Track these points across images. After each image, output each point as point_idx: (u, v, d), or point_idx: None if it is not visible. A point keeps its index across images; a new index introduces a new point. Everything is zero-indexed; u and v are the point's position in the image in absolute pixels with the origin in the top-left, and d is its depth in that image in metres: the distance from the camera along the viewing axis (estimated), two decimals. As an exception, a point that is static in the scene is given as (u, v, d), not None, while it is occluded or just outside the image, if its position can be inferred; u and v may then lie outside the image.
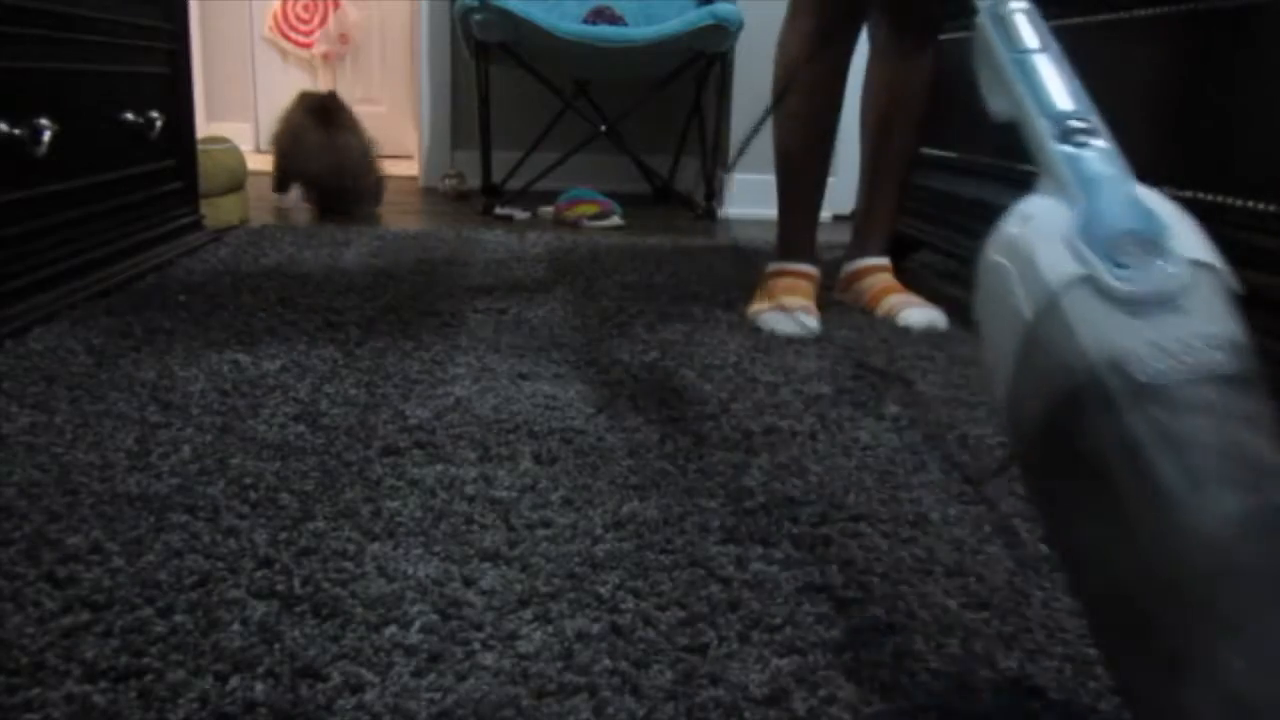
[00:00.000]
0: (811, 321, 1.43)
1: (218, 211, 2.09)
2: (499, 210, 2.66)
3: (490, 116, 2.76)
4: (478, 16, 2.56)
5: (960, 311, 1.62)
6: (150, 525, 0.73)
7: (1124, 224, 0.48)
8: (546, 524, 0.77)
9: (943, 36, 1.92)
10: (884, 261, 1.63)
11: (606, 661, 0.59)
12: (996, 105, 0.59)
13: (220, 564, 0.68)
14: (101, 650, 0.57)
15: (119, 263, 1.51)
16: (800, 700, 0.57)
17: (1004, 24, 0.59)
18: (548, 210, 2.65)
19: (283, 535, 0.73)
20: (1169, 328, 0.45)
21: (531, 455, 0.90)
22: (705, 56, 2.74)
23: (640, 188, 3.14)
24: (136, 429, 0.92)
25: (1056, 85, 0.57)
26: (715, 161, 2.89)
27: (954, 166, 1.80)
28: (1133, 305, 0.46)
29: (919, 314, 1.49)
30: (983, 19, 0.58)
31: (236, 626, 0.61)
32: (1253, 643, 0.39)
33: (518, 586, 0.67)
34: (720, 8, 2.63)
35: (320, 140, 2.55)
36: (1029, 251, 0.50)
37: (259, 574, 0.67)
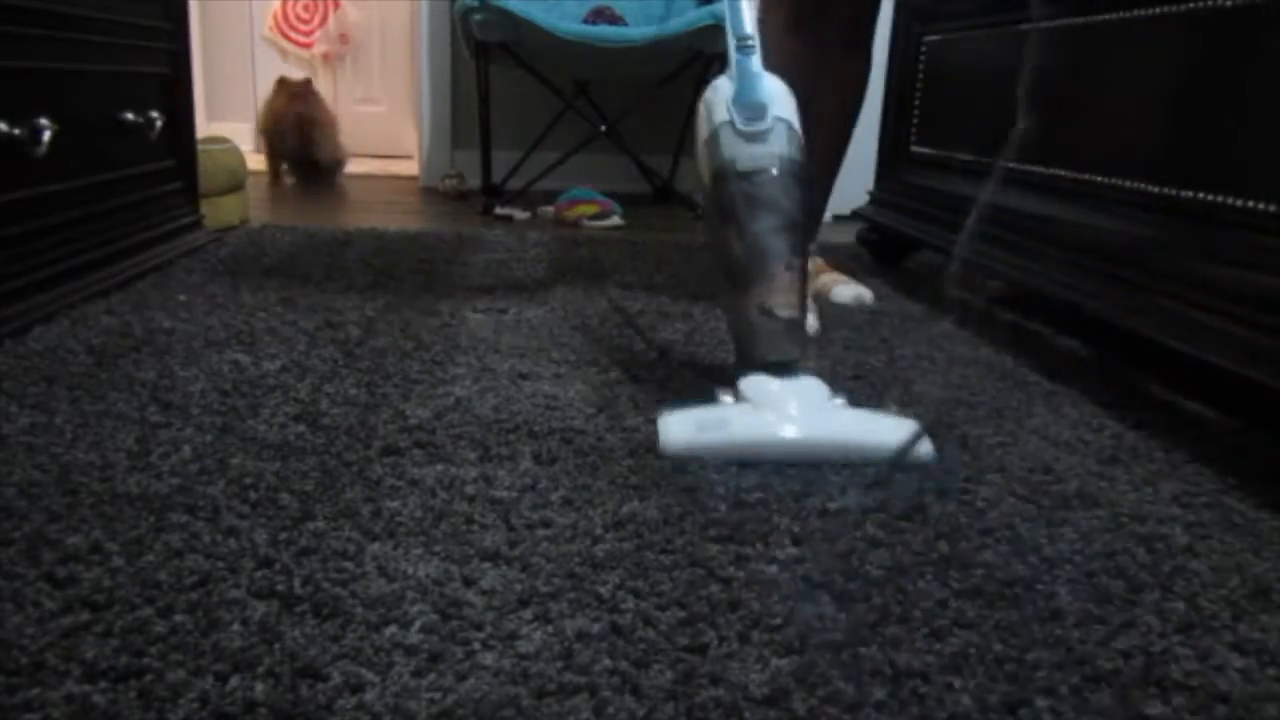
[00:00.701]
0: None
1: (218, 211, 2.09)
2: (499, 210, 2.66)
3: (490, 116, 2.76)
4: (478, 16, 2.56)
5: (962, 312, 1.62)
6: (150, 525, 0.73)
7: (749, 97, 1.03)
8: (546, 524, 0.77)
9: (929, 38, 1.93)
10: (811, 245, 1.76)
11: (606, 661, 0.59)
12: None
13: (220, 564, 0.68)
14: (101, 650, 0.57)
15: (119, 263, 1.51)
16: (800, 700, 0.57)
17: None
18: (548, 210, 2.65)
19: (283, 535, 0.73)
20: (758, 148, 1.01)
21: (531, 455, 0.90)
22: (705, 56, 2.74)
23: (640, 188, 3.14)
24: (136, 429, 0.92)
25: (744, 15, 1.08)
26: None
27: (953, 166, 1.80)
28: (745, 136, 1.01)
29: (846, 290, 1.66)
30: None
31: (236, 626, 0.61)
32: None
33: (518, 586, 0.67)
34: (720, 7, 2.63)
35: (293, 120, 3.17)
36: (712, 104, 1.05)
37: (259, 574, 0.67)
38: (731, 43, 1.06)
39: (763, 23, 1.32)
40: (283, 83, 3.31)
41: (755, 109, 1.02)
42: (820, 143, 1.64)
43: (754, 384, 0.97)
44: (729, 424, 0.94)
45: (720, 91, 1.05)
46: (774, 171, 1.00)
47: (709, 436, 0.92)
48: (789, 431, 0.92)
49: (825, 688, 0.58)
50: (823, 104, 1.63)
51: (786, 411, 0.94)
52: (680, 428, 0.93)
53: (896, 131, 2.07)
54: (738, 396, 0.97)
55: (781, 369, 0.97)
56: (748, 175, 1.00)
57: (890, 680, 0.59)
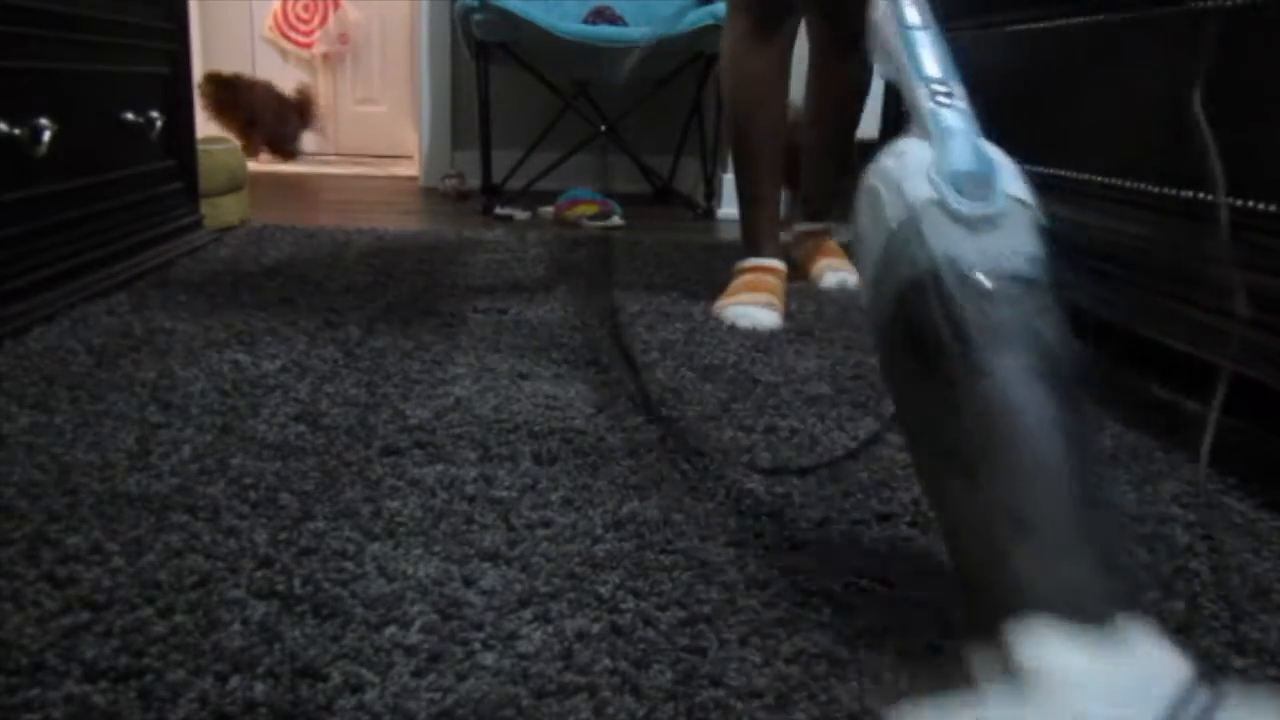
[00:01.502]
0: (769, 317, 1.47)
1: (218, 211, 2.09)
2: (499, 210, 2.66)
3: (490, 116, 2.76)
4: (478, 16, 2.56)
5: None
6: (150, 525, 0.73)
7: (967, 165, 0.64)
8: (546, 524, 0.77)
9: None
10: (820, 227, 1.85)
11: (606, 661, 0.59)
12: (883, 69, 0.78)
13: (220, 564, 0.68)
14: (101, 650, 0.57)
15: (119, 263, 1.51)
16: (800, 700, 0.57)
17: (896, 3, 0.75)
18: (548, 210, 2.65)
19: (283, 535, 0.73)
20: (991, 241, 0.60)
21: (531, 455, 0.90)
22: (705, 56, 2.74)
23: (640, 188, 3.14)
24: (136, 429, 0.92)
25: (930, 56, 0.72)
26: (715, 161, 2.89)
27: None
28: (967, 223, 0.61)
29: (831, 276, 1.72)
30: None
31: (236, 626, 0.61)
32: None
33: (518, 586, 0.67)
34: (720, 7, 2.63)
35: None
36: (898, 179, 0.65)
37: (259, 574, 0.67)
38: (920, 91, 0.70)
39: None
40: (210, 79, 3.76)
41: (977, 181, 0.63)
42: (818, 139, 1.80)
43: (1044, 655, 0.46)
44: None
45: (909, 159, 0.66)
46: (1023, 279, 0.60)
47: None
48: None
49: (826, 692, 0.58)
50: (823, 101, 1.75)
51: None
52: None
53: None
54: (1009, 677, 0.47)
55: (1087, 627, 0.47)
56: (981, 286, 0.59)
57: (891, 685, 0.59)
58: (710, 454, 0.92)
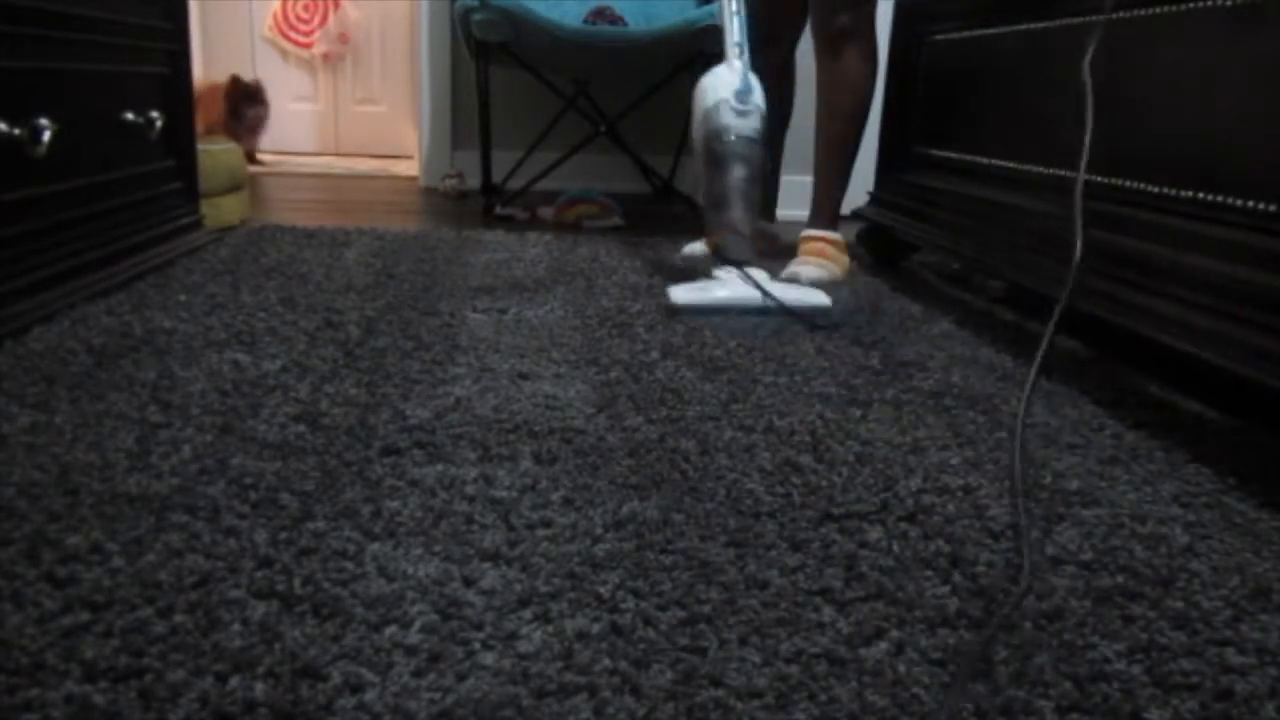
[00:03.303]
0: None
1: (218, 211, 2.09)
2: (499, 210, 2.66)
3: (490, 116, 2.76)
4: (478, 16, 2.56)
5: (963, 313, 1.62)
6: (150, 525, 0.73)
7: (742, 86, 1.59)
8: (546, 524, 0.77)
9: (929, 38, 1.93)
10: (822, 233, 1.94)
11: (606, 661, 0.59)
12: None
13: (220, 564, 0.68)
14: (101, 650, 0.57)
15: (119, 263, 1.51)
16: (800, 700, 0.57)
17: None
18: (548, 210, 2.65)
19: (283, 535, 0.73)
20: (745, 121, 1.57)
21: (531, 455, 0.90)
22: (705, 56, 2.73)
23: (640, 188, 3.14)
24: (136, 429, 0.92)
25: (737, 26, 1.64)
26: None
27: (954, 167, 1.80)
28: (737, 111, 1.58)
29: (805, 270, 1.85)
30: None
31: (236, 626, 0.61)
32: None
33: (518, 586, 0.67)
34: (717, 8, 2.62)
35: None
36: (713, 84, 1.61)
37: (259, 574, 0.67)
38: (732, 47, 1.65)
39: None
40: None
41: (744, 93, 1.59)
42: (821, 143, 1.97)
43: (726, 271, 1.59)
44: (713, 289, 1.57)
45: (720, 77, 1.61)
46: (752, 139, 1.58)
47: (700, 296, 1.54)
48: (750, 293, 1.54)
49: (826, 692, 0.58)
50: (833, 99, 1.94)
51: (747, 284, 1.55)
52: (682, 292, 1.54)
53: (896, 131, 2.07)
54: (718, 277, 1.59)
55: (741, 264, 1.58)
56: (737, 139, 1.57)
57: (890, 684, 0.59)
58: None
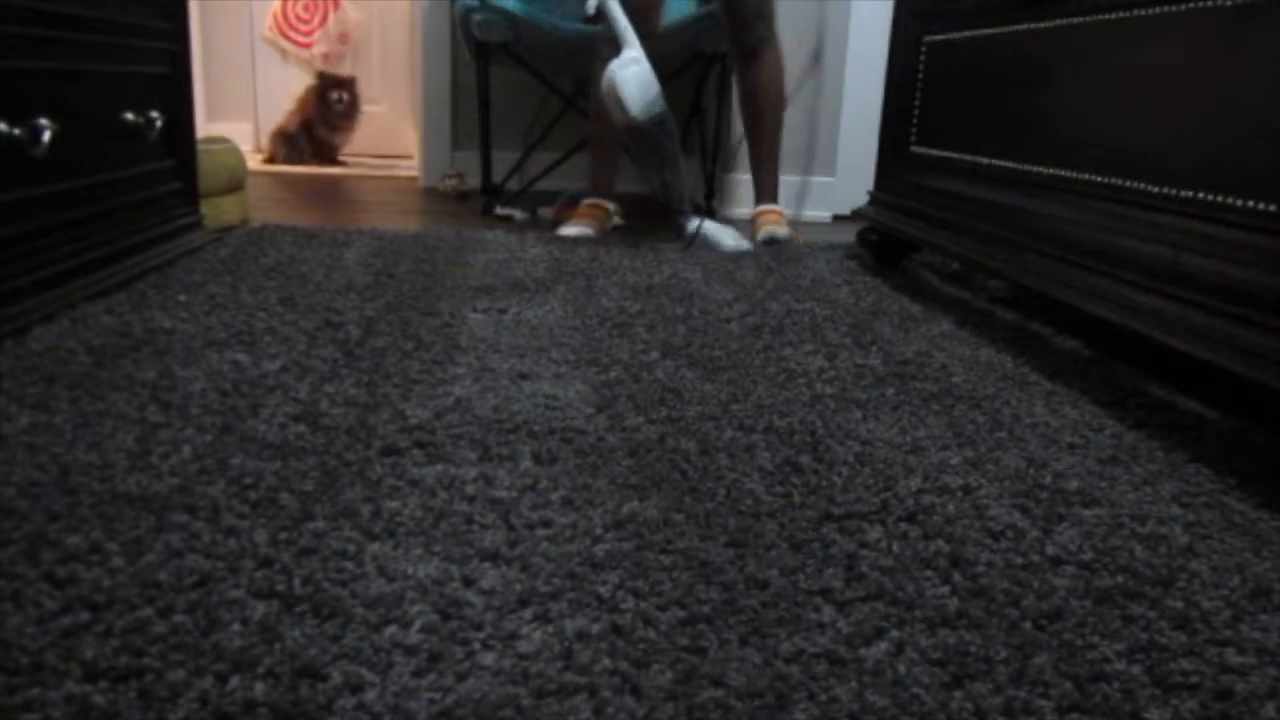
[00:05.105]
0: (589, 230, 2.29)
1: (218, 211, 2.09)
2: (499, 210, 2.66)
3: (490, 116, 2.76)
4: (478, 16, 2.56)
5: (963, 313, 1.62)
6: (150, 525, 0.73)
7: (647, 73, 2.05)
8: (546, 524, 0.77)
9: (928, 38, 1.93)
10: (773, 206, 2.43)
11: (606, 661, 0.59)
12: (605, 28, 2.14)
13: (220, 564, 0.68)
14: (101, 650, 0.57)
15: (119, 263, 1.51)
16: (800, 700, 0.57)
17: (612, 4, 2.08)
18: (547, 210, 2.65)
19: (283, 535, 0.73)
20: (657, 103, 2.07)
21: (531, 455, 0.90)
22: (705, 56, 2.73)
23: (640, 188, 3.13)
24: (136, 429, 0.92)
25: (626, 25, 2.06)
26: (715, 161, 2.89)
27: (953, 167, 1.80)
28: (650, 96, 2.07)
29: (763, 231, 2.32)
30: None
31: (236, 626, 0.61)
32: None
33: (518, 586, 0.67)
34: (716, 7, 2.62)
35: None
36: (618, 64, 2.03)
37: (259, 574, 0.67)
38: (627, 40, 2.06)
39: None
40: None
41: (651, 82, 2.05)
42: (771, 124, 2.43)
43: (695, 219, 2.19)
44: (723, 237, 2.20)
45: (624, 59, 2.02)
46: (664, 115, 2.06)
47: (715, 233, 2.21)
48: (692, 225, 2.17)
49: (826, 692, 0.58)
50: (763, 96, 2.38)
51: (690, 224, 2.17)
52: (712, 226, 2.23)
53: (896, 131, 2.07)
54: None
55: (697, 210, 2.19)
56: (653, 118, 2.05)
57: (891, 684, 0.59)
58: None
